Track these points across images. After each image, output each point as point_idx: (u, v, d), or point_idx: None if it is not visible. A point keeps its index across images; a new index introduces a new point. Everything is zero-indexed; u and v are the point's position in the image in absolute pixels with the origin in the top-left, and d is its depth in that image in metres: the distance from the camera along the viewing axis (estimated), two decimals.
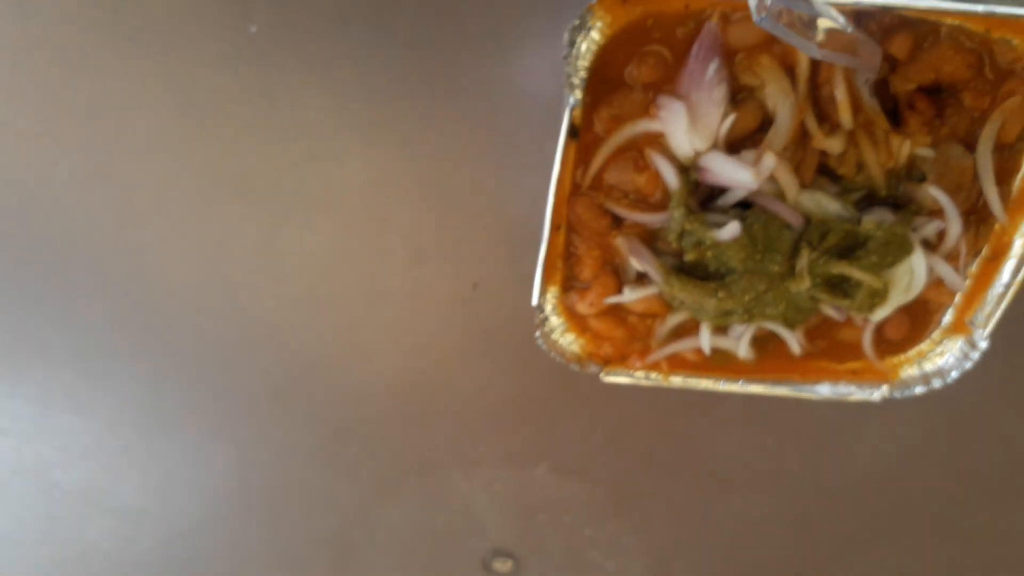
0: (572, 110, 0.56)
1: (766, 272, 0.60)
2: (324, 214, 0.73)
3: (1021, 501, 0.89)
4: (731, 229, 0.57)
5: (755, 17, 0.42)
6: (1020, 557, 0.92)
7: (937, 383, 0.68)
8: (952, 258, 0.63)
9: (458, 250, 0.75)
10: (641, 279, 0.64)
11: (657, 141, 0.59)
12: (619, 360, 0.69)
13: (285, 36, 0.63)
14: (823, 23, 0.46)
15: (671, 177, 0.59)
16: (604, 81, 0.58)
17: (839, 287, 0.62)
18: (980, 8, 0.53)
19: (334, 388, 0.85)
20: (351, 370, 0.84)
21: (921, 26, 0.56)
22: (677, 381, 0.69)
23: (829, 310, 0.63)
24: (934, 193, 0.58)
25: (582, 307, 0.65)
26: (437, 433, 0.87)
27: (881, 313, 0.64)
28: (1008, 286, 0.62)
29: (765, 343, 0.68)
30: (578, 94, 0.56)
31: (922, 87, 0.58)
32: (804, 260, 0.59)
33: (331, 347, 0.82)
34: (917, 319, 0.67)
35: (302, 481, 0.92)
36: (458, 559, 0.98)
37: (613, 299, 0.63)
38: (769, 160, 0.55)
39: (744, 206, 0.60)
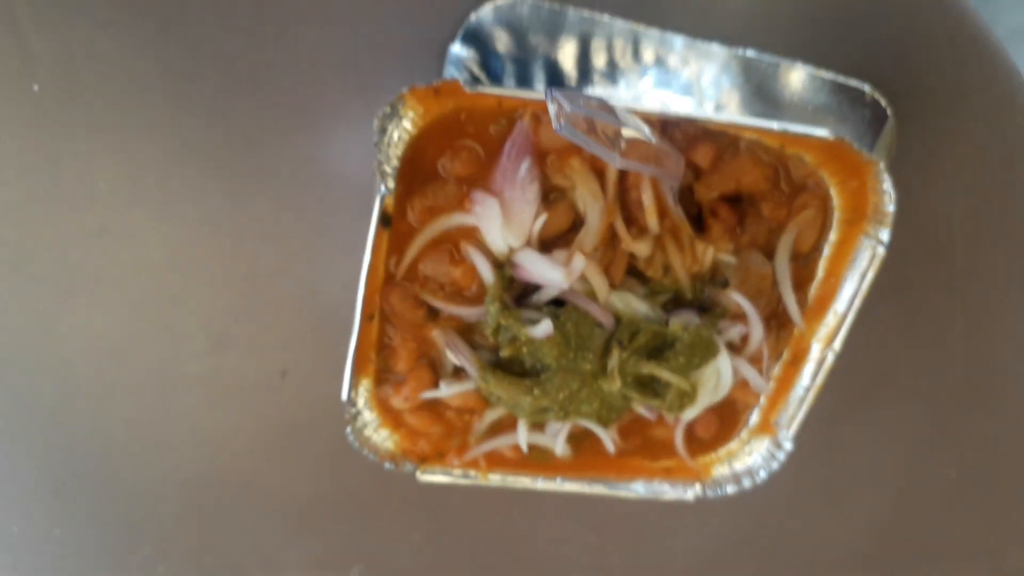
0: (383, 198, 0.54)
1: (579, 370, 0.59)
2: (114, 293, 0.67)
3: None
4: (544, 327, 0.56)
5: (555, 124, 0.42)
6: None
7: (747, 482, 0.69)
8: (755, 360, 0.65)
9: (264, 336, 0.71)
10: (458, 373, 0.62)
11: (472, 235, 0.58)
12: (436, 457, 0.66)
13: (73, 98, 0.58)
14: (627, 132, 0.47)
15: (486, 272, 0.57)
16: (417, 171, 0.57)
17: (649, 387, 0.62)
18: (775, 125, 0.56)
19: (124, 484, 0.76)
20: (143, 464, 0.75)
21: (723, 138, 0.59)
22: (495, 479, 0.66)
23: (641, 409, 0.63)
24: (736, 299, 0.60)
25: (397, 401, 0.62)
26: (240, 534, 0.80)
27: (691, 413, 0.64)
28: (808, 389, 0.65)
29: (581, 440, 0.67)
30: (390, 183, 0.54)
31: (724, 196, 0.61)
32: (615, 360, 0.59)
33: (120, 438, 0.74)
34: (725, 418, 0.69)
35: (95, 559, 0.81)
36: None
37: (429, 394, 0.61)
38: (579, 262, 0.55)
39: (558, 303, 0.60)
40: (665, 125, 0.56)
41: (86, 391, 0.72)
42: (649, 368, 0.60)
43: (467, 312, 0.59)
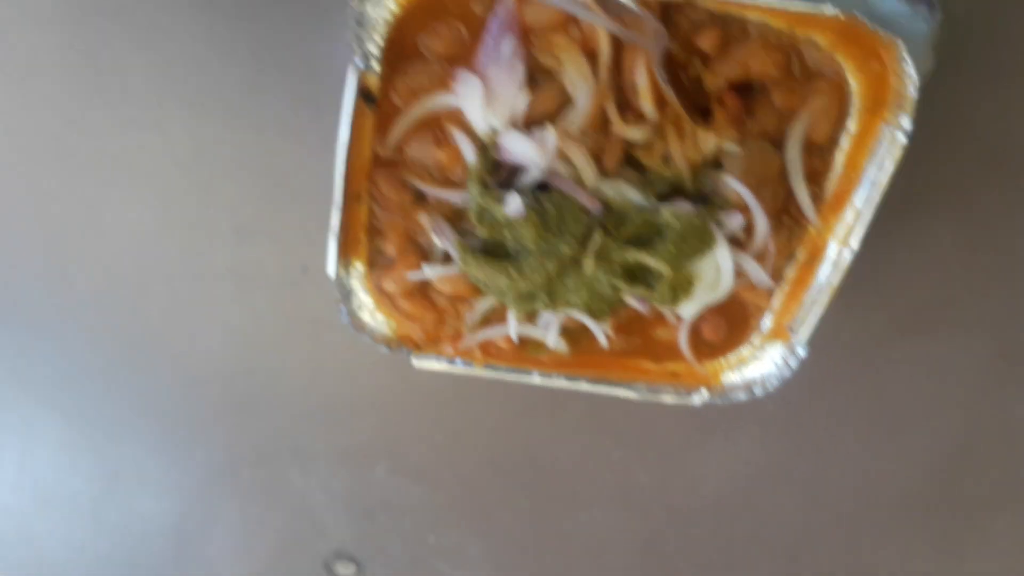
0: (360, 74, 0.54)
1: (557, 253, 0.58)
2: (146, 185, 0.71)
3: (870, 534, 0.87)
4: (513, 204, 0.56)
5: None
6: None
7: (758, 391, 0.66)
8: (761, 258, 0.61)
9: (286, 230, 0.73)
10: (447, 259, 0.62)
11: (457, 117, 0.58)
12: (431, 345, 0.66)
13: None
14: None
15: (468, 152, 0.57)
16: (401, 52, 0.57)
17: (640, 278, 0.60)
18: (776, 1, 0.52)
19: (161, 369, 0.82)
20: (178, 352, 0.80)
21: (730, 23, 0.56)
22: (490, 371, 0.67)
23: (631, 301, 0.62)
24: (731, 183, 0.57)
25: (388, 284, 0.63)
26: (270, 424, 0.84)
27: (688, 309, 0.62)
28: (822, 290, 0.61)
29: (579, 337, 0.66)
30: (374, 64, 0.55)
31: (734, 84, 0.58)
32: (594, 243, 0.58)
33: (157, 326, 0.79)
34: (735, 322, 0.66)
35: (136, 463, 0.88)
36: (299, 560, 0.94)
37: (415, 275, 0.61)
38: (550, 137, 0.54)
39: (547, 189, 0.59)
40: (667, 9, 0.53)
41: (125, 280, 0.77)
42: (632, 255, 0.58)
43: (451, 195, 0.59)
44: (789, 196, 0.60)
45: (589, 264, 0.58)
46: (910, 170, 0.67)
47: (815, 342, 0.76)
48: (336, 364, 0.80)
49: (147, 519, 0.92)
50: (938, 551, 0.88)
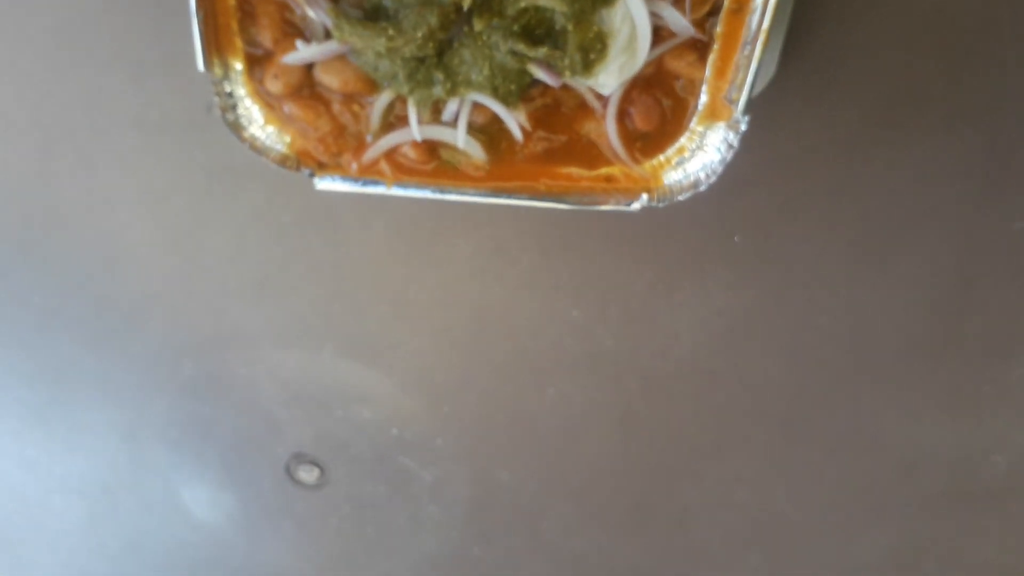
0: None
1: (438, 2, 0.49)
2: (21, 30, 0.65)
3: (868, 389, 0.76)
4: None
5: None
6: (866, 448, 0.78)
7: (703, 187, 0.56)
8: (685, 8, 0.52)
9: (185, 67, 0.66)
10: (329, 38, 0.53)
11: None
12: (333, 161, 0.58)
13: None
14: None
15: None
16: None
17: (544, 42, 0.51)
18: None
19: (74, 253, 0.75)
20: (89, 230, 0.73)
21: None
22: (401, 189, 0.58)
23: (538, 72, 0.52)
24: None
25: (270, 83, 0.55)
26: (200, 304, 0.77)
27: (607, 80, 0.52)
28: (755, 41, 0.51)
29: (496, 141, 0.57)
30: None
31: None
32: None
33: (61, 201, 0.72)
34: (670, 105, 0.56)
35: (72, 366, 0.81)
36: (256, 465, 0.86)
37: (291, 57, 0.53)
38: None
39: None
40: None
41: (23, 139, 0.70)
42: None
43: None
44: None
45: (476, 19, 0.49)
46: None
47: (776, 154, 0.66)
48: (260, 222, 0.72)
49: (92, 430, 0.86)
50: (947, 407, 0.76)
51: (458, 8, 0.49)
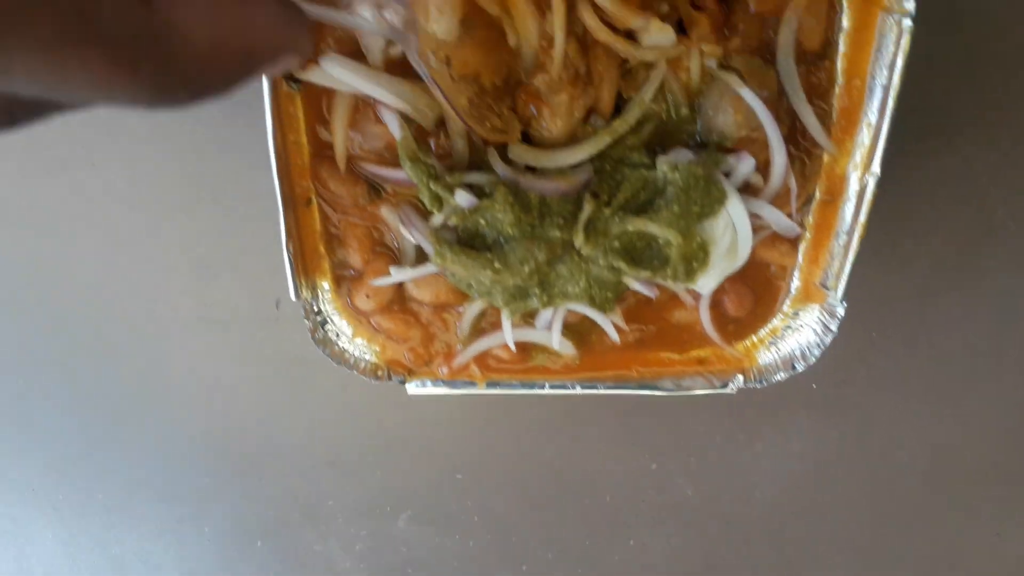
0: None
1: (546, 238, 0.47)
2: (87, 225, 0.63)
3: (951, 516, 0.73)
4: (463, 197, 0.45)
5: None
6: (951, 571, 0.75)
7: (799, 366, 0.54)
8: (782, 201, 0.50)
9: (246, 260, 0.64)
10: (422, 258, 0.51)
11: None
12: (423, 368, 0.56)
13: None
14: None
15: (393, 125, 0.46)
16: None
17: (643, 257, 0.49)
18: None
19: (146, 440, 0.71)
20: (160, 418, 0.70)
21: None
22: (493, 388, 0.55)
23: (635, 284, 0.50)
24: (743, 94, 0.45)
25: (360, 301, 0.53)
26: (273, 484, 0.73)
27: (706, 282, 0.50)
28: (851, 232, 0.49)
29: (587, 334, 0.55)
30: None
31: None
32: (585, 213, 0.46)
33: (133, 391, 0.69)
34: (760, 289, 0.54)
35: (139, 548, 0.77)
36: None
37: (383, 281, 0.51)
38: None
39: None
40: None
41: (89, 343, 0.68)
42: (635, 223, 0.47)
43: (400, 176, 0.48)
44: (792, 123, 0.49)
45: (580, 239, 0.47)
46: (924, 67, 0.56)
47: (850, 303, 0.65)
48: (332, 406, 0.68)
49: None
50: None
51: (565, 244, 0.47)
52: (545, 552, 0.76)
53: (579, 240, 0.46)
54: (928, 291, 0.64)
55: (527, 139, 0.47)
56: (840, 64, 0.47)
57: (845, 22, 0.46)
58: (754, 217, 0.49)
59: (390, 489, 0.73)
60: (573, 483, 0.73)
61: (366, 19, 0.31)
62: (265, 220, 0.55)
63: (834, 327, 0.52)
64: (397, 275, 0.50)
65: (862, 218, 0.48)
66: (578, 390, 0.56)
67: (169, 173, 0.61)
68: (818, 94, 0.48)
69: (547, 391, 0.55)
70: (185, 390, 0.69)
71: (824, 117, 0.48)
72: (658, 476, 0.72)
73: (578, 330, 0.55)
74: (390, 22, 0.36)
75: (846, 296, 0.51)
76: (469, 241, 0.49)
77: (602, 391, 0.55)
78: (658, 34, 0.44)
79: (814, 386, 0.68)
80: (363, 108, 0.47)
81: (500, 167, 0.46)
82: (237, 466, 0.72)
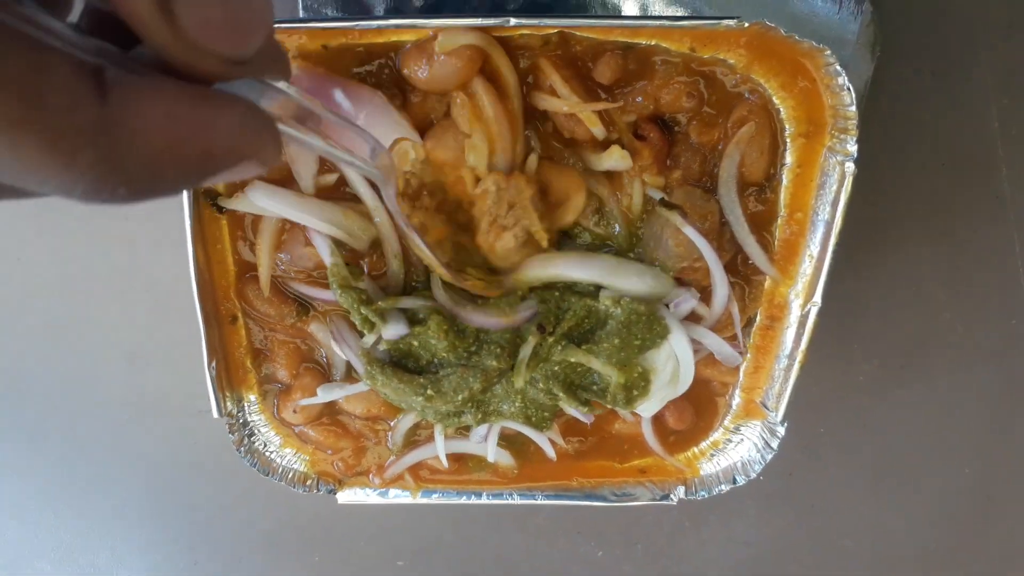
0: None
1: (482, 366, 0.46)
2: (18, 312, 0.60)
3: None
4: (394, 328, 0.44)
5: None
6: None
7: (740, 479, 0.54)
8: (724, 328, 0.49)
9: (180, 358, 0.62)
10: (353, 374, 0.50)
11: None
12: (355, 478, 0.54)
13: None
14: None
15: (324, 251, 0.45)
16: None
17: (584, 382, 0.48)
18: (667, 23, 0.42)
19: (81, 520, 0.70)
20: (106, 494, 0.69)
21: (628, 51, 0.45)
22: (428, 497, 0.54)
23: (571, 411, 0.49)
24: (687, 232, 0.44)
25: (288, 415, 0.51)
26: (207, 572, 0.71)
27: (648, 407, 0.50)
28: (792, 356, 0.49)
29: (524, 447, 0.54)
30: None
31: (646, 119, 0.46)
32: (527, 350, 0.45)
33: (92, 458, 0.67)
34: (701, 404, 0.54)
35: None
36: None
37: (308, 401, 0.49)
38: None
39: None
40: (563, 42, 0.43)
41: (29, 426, 0.66)
42: (575, 355, 0.46)
43: (331, 296, 0.46)
44: (736, 251, 0.48)
45: (520, 376, 0.46)
46: (867, 192, 0.56)
47: (799, 398, 0.65)
48: (271, 513, 0.68)
49: None
50: None
51: (502, 373, 0.46)
52: None
53: (519, 381, 0.45)
54: (875, 390, 0.65)
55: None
56: (783, 197, 0.46)
57: (789, 158, 0.46)
58: (696, 343, 0.48)
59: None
60: (515, 570, 0.72)
61: (346, 152, 0.29)
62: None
63: (775, 444, 0.52)
64: (324, 395, 0.49)
65: (803, 345, 0.48)
66: (516, 500, 0.55)
67: (99, 264, 0.59)
68: (762, 223, 0.47)
69: (484, 500, 0.55)
70: (120, 474, 0.67)
71: (767, 245, 0.48)
72: (603, 564, 0.71)
73: (516, 441, 0.54)
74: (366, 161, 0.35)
75: (787, 417, 0.50)
76: (402, 360, 0.48)
77: (541, 501, 0.55)
78: (618, 160, 0.44)
79: (761, 477, 0.68)
80: (292, 229, 0.46)
81: (442, 297, 0.45)
82: (172, 550, 0.70)
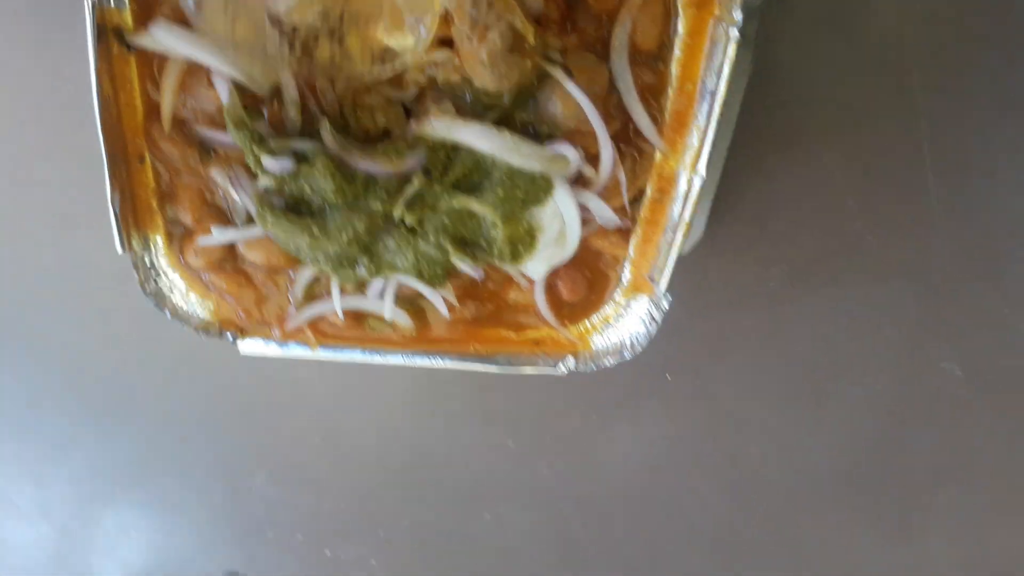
0: (99, 11, 0.45)
1: (367, 209, 0.48)
2: None
3: (801, 519, 0.76)
4: (280, 163, 0.46)
5: None
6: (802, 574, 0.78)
7: (627, 354, 0.56)
8: (610, 194, 0.51)
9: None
10: (252, 220, 0.52)
11: None
12: (257, 328, 0.57)
13: None
14: None
15: (223, 91, 0.47)
16: None
17: (474, 240, 0.51)
18: None
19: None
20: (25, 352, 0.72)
21: None
22: (326, 352, 0.57)
23: (461, 264, 0.52)
24: (569, 88, 0.46)
25: (191, 258, 0.53)
26: (134, 432, 0.74)
27: (535, 267, 0.52)
28: (676, 228, 0.51)
29: (423, 310, 0.56)
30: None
31: None
32: (411, 190, 0.48)
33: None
34: (594, 277, 0.56)
35: None
36: None
37: (208, 240, 0.51)
38: None
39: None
40: None
41: None
42: (460, 201, 0.48)
43: (230, 139, 0.48)
44: (626, 120, 0.50)
45: (400, 211, 0.48)
46: (777, 95, 0.58)
47: (707, 301, 0.66)
48: (187, 361, 0.70)
49: (22, 549, 0.83)
50: (879, 533, 0.77)
51: (387, 216, 0.48)
52: (401, 519, 0.79)
53: (398, 212, 0.47)
54: (784, 296, 0.66)
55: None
56: (674, 68, 0.48)
57: (680, 27, 0.47)
58: (584, 209, 0.50)
59: (248, 447, 0.75)
60: (429, 454, 0.75)
61: None
62: None
63: (659, 318, 0.54)
64: (220, 235, 0.51)
65: (686, 216, 0.50)
66: (414, 361, 0.57)
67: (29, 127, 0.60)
68: (653, 95, 0.49)
69: (382, 360, 0.57)
70: (43, 338, 0.70)
71: (657, 117, 0.49)
72: (513, 453, 0.74)
73: (415, 303, 0.56)
74: None
75: (670, 290, 0.52)
76: (295, 206, 0.50)
77: (436, 363, 0.57)
78: None
79: (668, 376, 0.70)
80: (197, 71, 0.48)
81: (329, 140, 0.47)
82: (96, 412, 0.73)
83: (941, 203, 0.62)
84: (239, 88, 0.47)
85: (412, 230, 0.50)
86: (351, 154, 0.47)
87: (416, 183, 0.48)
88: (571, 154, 0.49)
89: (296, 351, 0.57)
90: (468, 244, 0.51)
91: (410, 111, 0.49)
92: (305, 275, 0.54)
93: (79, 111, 0.57)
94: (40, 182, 0.63)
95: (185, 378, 0.71)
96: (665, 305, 0.53)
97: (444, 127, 0.48)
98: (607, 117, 0.48)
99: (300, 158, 0.48)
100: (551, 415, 0.73)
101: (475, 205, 0.48)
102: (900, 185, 0.62)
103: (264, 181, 0.48)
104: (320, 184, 0.47)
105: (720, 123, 0.47)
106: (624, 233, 0.53)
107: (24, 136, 0.62)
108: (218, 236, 0.51)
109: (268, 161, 0.46)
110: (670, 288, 0.52)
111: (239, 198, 0.50)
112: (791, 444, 0.73)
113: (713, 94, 0.46)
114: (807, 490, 0.75)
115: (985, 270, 0.64)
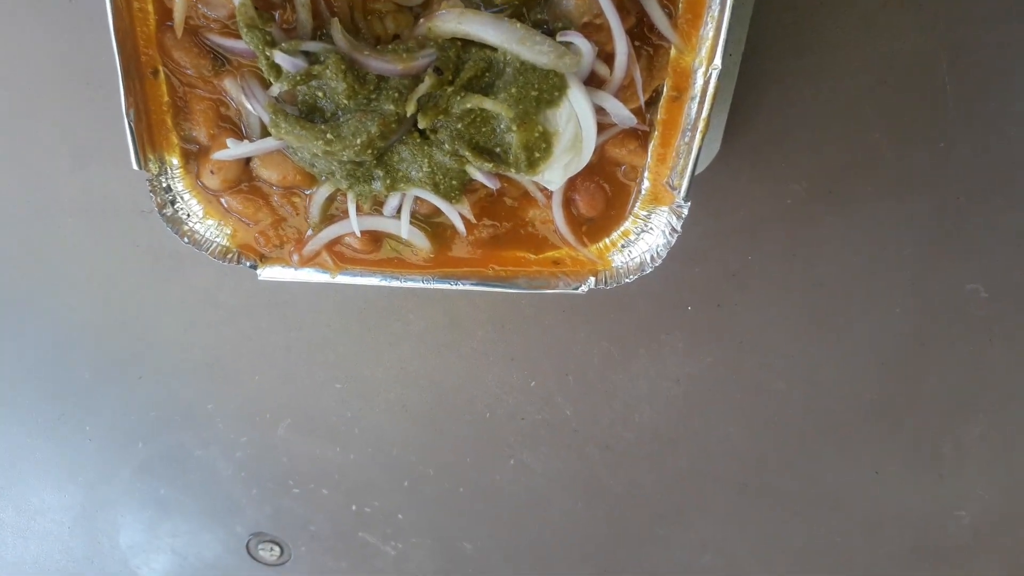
0: None
1: (380, 111, 0.47)
2: None
3: (830, 453, 0.74)
4: (286, 60, 0.45)
5: None
6: (830, 508, 0.77)
7: (648, 268, 0.55)
8: (629, 95, 0.50)
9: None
10: (267, 135, 0.51)
11: None
12: (276, 253, 0.56)
13: None
14: None
15: None
16: None
17: (489, 147, 0.50)
18: None
19: (19, 331, 0.72)
20: (30, 309, 0.71)
21: None
22: (347, 277, 0.56)
23: (476, 172, 0.51)
24: None
25: (207, 178, 0.53)
26: (154, 384, 0.74)
27: (551, 176, 0.51)
28: (694, 127, 0.50)
29: (442, 231, 0.56)
30: None
31: None
32: (423, 87, 0.47)
33: (8, 279, 0.70)
34: (612, 190, 0.55)
35: (25, 446, 0.78)
36: (217, 545, 0.83)
37: (224, 154, 0.51)
38: None
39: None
40: None
41: None
42: (473, 100, 0.47)
43: (242, 46, 0.48)
44: (640, 16, 0.49)
45: (412, 108, 0.47)
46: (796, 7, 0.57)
47: (726, 226, 0.65)
48: (208, 305, 0.70)
49: (45, 514, 0.82)
50: (909, 465, 0.74)
51: (400, 118, 0.48)
52: (426, 468, 0.78)
53: (411, 108, 0.47)
54: (802, 215, 0.65)
55: None
56: None
57: None
58: (600, 114, 0.50)
59: (269, 395, 0.74)
60: (452, 398, 0.74)
61: None
62: None
63: (679, 226, 0.53)
64: (236, 148, 0.50)
65: (704, 113, 0.49)
66: (433, 284, 0.56)
67: (41, 53, 0.61)
68: None
69: (401, 284, 0.56)
70: (62, 280, 0.69)
71: (671, 12, 0.49)
72: (536, 395, 0.73)
73: (432, 222, 0.55)
74: None
75: (689, 195, 0.51)
76: (308, 114, 0.49)
77: (456, 286, 0.56)
78: None
79: (689, 308, 0.69)
80: None
81: (340, 39, 0.47)
82: (117, 362, 0.73)
83: (958, 110, 0.61)
84: None
85: (426, 138, 0.50)
86: (362, 54, 0.46)
87: (427, 82, 0.47)
88: (583, 44, 0.48)
89: (315, 276, 0.56)
90: (483, 151, 0.50)
91: (420, 18, 0.49)
92: (321, 193, 0.54)
93: (93, 32, 0.59)
94: (53, 109, 0.63)
95: (203, 323, 0.71)
96: (685, 212, 0.52)
97: (453, 18, 0.47)
98: (621, 11, 0.47)
99: (312, 60, 0.47)
100: (573, 353, 0.71)
101: (488, 103, 0.47)
102: (918, 92, 0.60)
103: (276, 88, 0.47)
104: (332, 86, 0.47)
105: (734, 12, 0.46)
106: (642, 140, 0.53)
107: (38, 61, 0.62)
108: (233, 149, 0.50)
109: (281, 58, 0.45)
110: (689, 197, 0.51)
111: (252, 107, 0.50)
112: (816, 377, 0.71)
113: None
114: (834, 425, 0.73)
115: (1005, 182, 0.63)
